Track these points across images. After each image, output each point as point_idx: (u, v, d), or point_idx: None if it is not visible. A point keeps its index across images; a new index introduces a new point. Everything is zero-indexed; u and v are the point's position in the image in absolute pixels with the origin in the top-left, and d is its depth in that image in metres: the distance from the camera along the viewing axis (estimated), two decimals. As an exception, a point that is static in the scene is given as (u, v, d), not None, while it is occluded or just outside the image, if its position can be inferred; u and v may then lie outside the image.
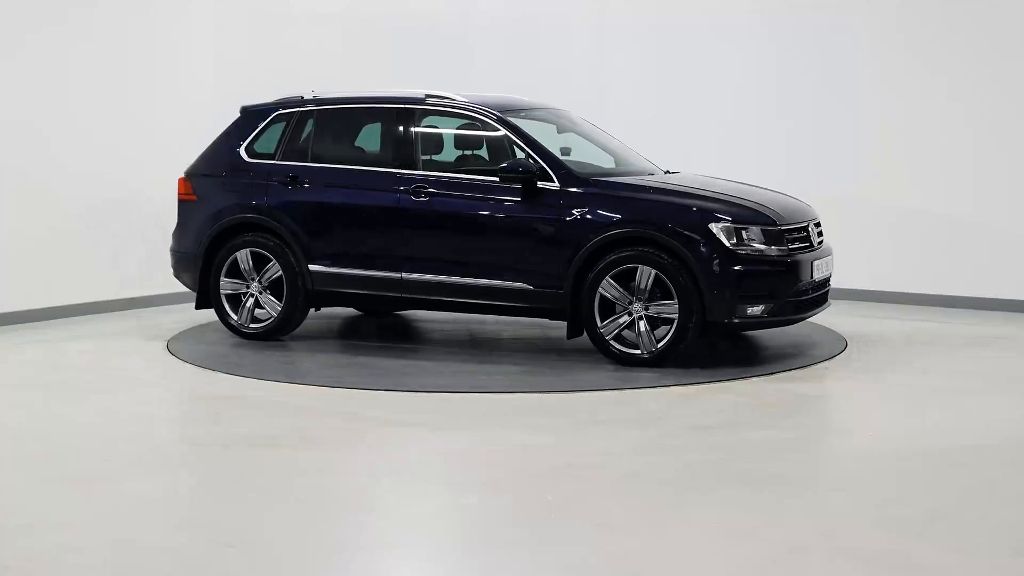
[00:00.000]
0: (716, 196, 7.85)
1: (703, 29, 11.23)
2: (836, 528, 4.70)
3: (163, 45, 10.40)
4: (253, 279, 8.62)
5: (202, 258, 8.74)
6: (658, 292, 7.54)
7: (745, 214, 7.63)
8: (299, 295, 8.49)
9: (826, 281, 8.14)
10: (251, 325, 8.66)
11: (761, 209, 7.73)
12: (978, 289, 10.02)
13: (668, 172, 8.84)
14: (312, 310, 8.85)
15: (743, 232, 7.52)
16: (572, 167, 8.03)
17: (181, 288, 10.54)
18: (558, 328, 8.66)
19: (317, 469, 5.62)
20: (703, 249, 7.46)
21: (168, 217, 10.43)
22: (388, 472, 5.58)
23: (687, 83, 11.33)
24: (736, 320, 7.51)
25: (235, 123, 9.01)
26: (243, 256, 8.63)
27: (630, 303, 7.58)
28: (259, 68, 11.06)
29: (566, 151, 8.65)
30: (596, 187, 7.85)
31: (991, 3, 9.89)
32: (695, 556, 4.44)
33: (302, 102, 8.82)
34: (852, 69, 10.54)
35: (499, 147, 8.62)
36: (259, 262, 8.61)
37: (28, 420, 6.65)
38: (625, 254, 7.58)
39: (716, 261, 7.44)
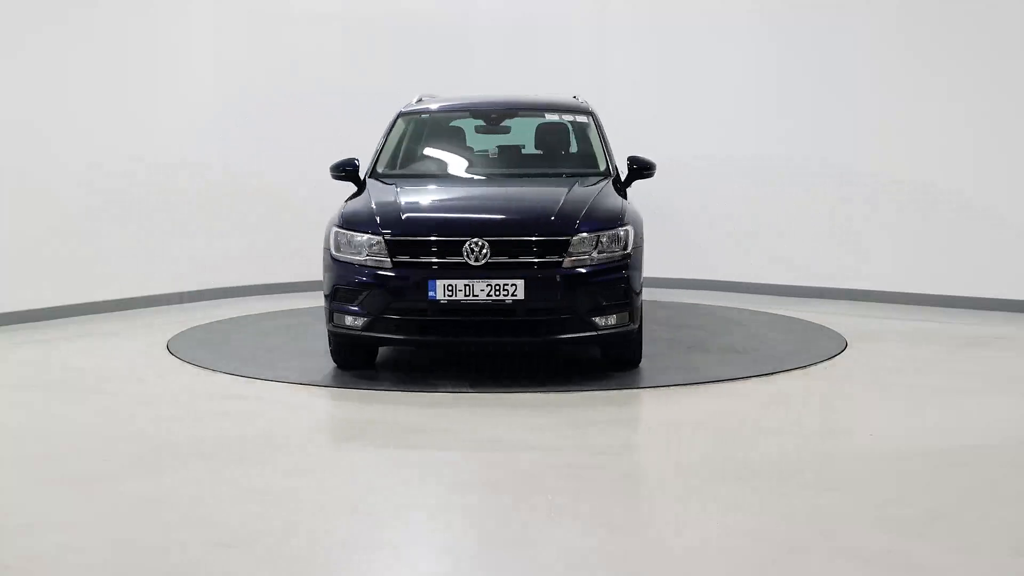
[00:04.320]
0: (379, 200, 7.51)
1: (703, 29, 11.24)
2: (836, 528, 4.70)
3: (163, 45, 10.40)
4: None
5: None
6: None
7: (359, 220, 7.33)
8: None
9: (504, 308, 7.00)
10: None
11: (375, 217, 7.29)
12: (978, 289, 10.02)
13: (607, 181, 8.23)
14: None
15: (355, 240, 7.25)
16: (384, 168, 8.24)
17: (180, 288, 10.58)
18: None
19: (317, 469, 5.62)
20: (325, 253, 7.45)
21: (167, 217, 10.45)
22: (388, 472, 5.58)
23: (687, 83, 11.33)
24: (337, 329, 7.31)
25: None
26: None
27: None
28: (259, 68, 11.06)
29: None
30: (364, 187, 7.99)
31: (991, 3, 9.89)
32: (695, 556, 4.44)
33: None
34: (852, 69, 10.54)
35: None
36: None
37: (28, 420, 6.65)
38: None
39: (325, 266, 7.40)
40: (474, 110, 8.98)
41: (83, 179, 9.81)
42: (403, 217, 7.29)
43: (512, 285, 6.98)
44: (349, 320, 7.21)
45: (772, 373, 7.55)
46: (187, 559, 4.41)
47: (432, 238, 7.11)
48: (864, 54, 10.49)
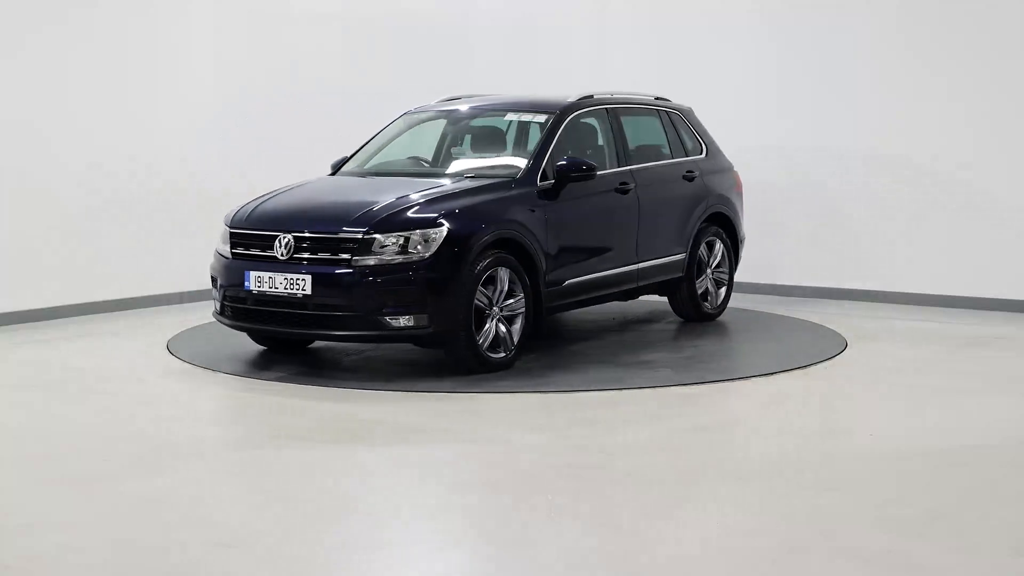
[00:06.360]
0: (263, 196, 8.14)
1: (703, 29, 11.23)
2: (836, 528, 4.70)
3: (163, 45, 10.40)
4: None
5: None
6: None
7: (231, 215, 7.95)
8: None
9: (295, 301, 7.26)
10: None
11: (235, 212, 7.94)
12: (978, 289, 10.02)
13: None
14: None
15: (224, 232, 7.90)
16: (350, 166, 8.75)
17: (180, 288, 10.57)
18: (564, 326, 8.64)
19: (316, 469, 5.62)
20: None
21: (167, 217, 10.45)
22: (388, 472, 5.58)
23: (687, 83, 11.31)
24: (216, 315, 7.98)
25: None
26: None
27: None
28: (259, 68, 11.06)
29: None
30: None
31: (991, 3, 9.89)
32: (695, 556, 4.44)
33: None
34: (852, 69, 10.53)
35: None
36: None
37: (28, 420, 6.65)
38: None
39: None
40: (448, 111, 8.92)
41: (83, 179, 9.80)
42: (248, 213, 7.83)
43: (302, 280, 7.27)
44: (217, 306, 7.87)
45: (772, 373, 7.55)
46: (187, 559, 4.41)
47: (252, 232, 7.64)
48: (864, 54, 10.48)
